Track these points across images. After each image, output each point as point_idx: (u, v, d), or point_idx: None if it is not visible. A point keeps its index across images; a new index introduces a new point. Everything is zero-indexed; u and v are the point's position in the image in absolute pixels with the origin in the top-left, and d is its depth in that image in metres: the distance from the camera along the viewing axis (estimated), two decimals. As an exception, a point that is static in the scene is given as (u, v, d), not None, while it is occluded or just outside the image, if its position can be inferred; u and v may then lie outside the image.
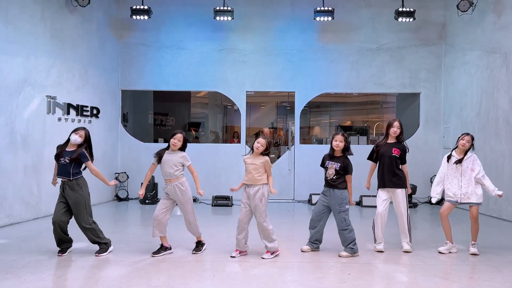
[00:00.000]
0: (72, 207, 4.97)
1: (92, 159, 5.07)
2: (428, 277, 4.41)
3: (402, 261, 5.02)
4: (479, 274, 4.53)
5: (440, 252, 5.32)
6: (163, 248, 5.11)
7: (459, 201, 5.29)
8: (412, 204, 9.19)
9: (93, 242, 5.11)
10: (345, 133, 5.27)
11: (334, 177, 5.12)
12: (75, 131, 5.04)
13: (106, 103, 9.58)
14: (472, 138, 5.35)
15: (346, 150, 5.15)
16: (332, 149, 5.19)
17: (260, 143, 4.96)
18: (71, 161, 4.91)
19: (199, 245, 5.27)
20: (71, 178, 4.94)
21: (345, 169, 5.11)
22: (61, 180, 5.01)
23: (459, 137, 5.39)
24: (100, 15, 9.37)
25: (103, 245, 5.10)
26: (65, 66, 8.20)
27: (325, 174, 5.22)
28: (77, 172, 4.99)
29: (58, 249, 5.08)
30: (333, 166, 5.11)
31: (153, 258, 4.97)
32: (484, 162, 8.27)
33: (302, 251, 5.29)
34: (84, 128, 5.11)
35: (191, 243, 5.37)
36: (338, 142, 5.11)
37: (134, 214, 8.41)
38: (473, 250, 5.28)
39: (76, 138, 4.97)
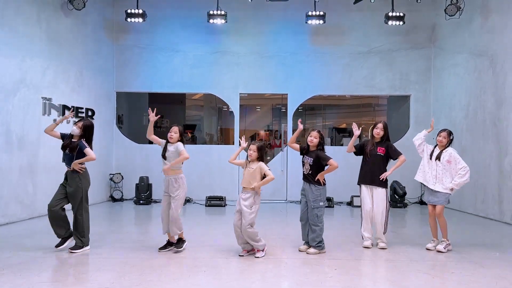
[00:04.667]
0: (69, 196, 5.17)
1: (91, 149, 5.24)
2: (411, 272, 4.57)
3: (388, 257, 5.16)
4: (461, 269, 4.68)
5: (427, 249, 5.48)
6: (169, 244, 5.29)
7: (434, 189, 5.43)
8: (402, 205, 9.37)
9: (74, 233, 5.21)
10: (321, 131, 5.41)
11: (310, 172, 5.21)
12: (76, 123, 5.27)
13: (101, 104, 9.70)
14: (449, 134, 5.51)
15: (320, 145, 5.22)
16: (307, 144, 5.31)
17: (252, 150, 5.02)
18: (70, 151, 5.12)
19: (180, 242, 5.32)
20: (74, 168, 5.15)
21: (318, 161, 5.14)
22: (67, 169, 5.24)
23: (437, 134, 5.59)
24: (95, 18, 9.50)
25: (79, 242, 5.19)
26: (60, 68, 8.32)
27: (303, 168, 5.33)
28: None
29: (53, 246, 5.19)
30: (307, 162, 5.22)
31: (147, 255, 5.08)
32: (472, 162, 8.49)
33: (300, 251, 5.32)
34: (83, 120, 5.33)
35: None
36: (313, 138, 5.21)
37: (129, 214, 8.52)
38: (438, 247, 5.43)
39: (74, 129, 5.18)
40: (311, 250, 5.24)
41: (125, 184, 9.97)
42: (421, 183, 5.80)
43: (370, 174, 5.56)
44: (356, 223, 6.85)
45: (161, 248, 5.28)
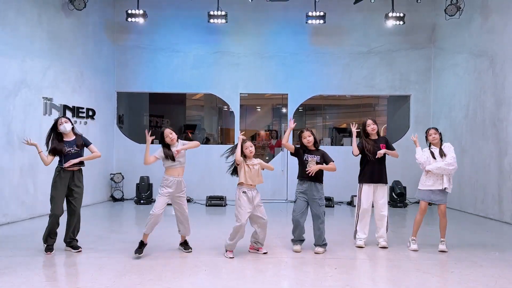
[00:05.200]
0: (76, 196, 5.15)
1: None
2: (411, 272, 4.59)
3: (388, 257, 5.18)
4: (460, 269, 4.69)
5: (413, 250, 5.39)
6: (144, 245, 5.07)
7: (442, 188, 5.33)
8: (402, 204, 9.38)
9: (71, 235, 5.23)
10: (311, 129, 5.46)
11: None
12: (58, 122, 5.09)
13: (102, 104, 9.72)
14: (436, 129, 5.50)
15: (316, 142, 5.33)
16: (304, 145, 5.33)
17: (252, 147, 5.04)
18: (81, 147, 5.11)
19: (187, 243, 5.37)
20: (84, 165, 5.16)
21: (325, 160, 5.28)
22: (64, 170, 5.05)
23: (426, 136, 5.53)
24: (96, 18, 9.53)
25: (75, 242, 5.26)
26: (61, 68, 8.35)
27: (305, 168, 5.26)
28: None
29: (54, 246, 5.18)
30: (313, 160, 5.23)
31: (148, 255, 5.08)
32: (472, 162, 8.53)
33: (296, 252, 5.28)
34: (62, 116, 5.21)
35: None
36: (308, 138, 5.28)
37: (129, 214, 8.54)
38: (441, 247, 5.42)
39: (67, 126, 5.08)
40: (320, 249, 5.26)
41: (126, 184, 10.00)
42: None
43: (378, 173, 5.54)
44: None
45: (139, 252, 4.99)
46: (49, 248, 5.08)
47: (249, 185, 5.01)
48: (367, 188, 5.58)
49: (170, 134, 5.11)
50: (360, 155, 5.70)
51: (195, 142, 5.20)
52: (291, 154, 5.46)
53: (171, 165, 5.10)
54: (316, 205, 5.26)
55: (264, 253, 5.17)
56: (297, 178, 5.43)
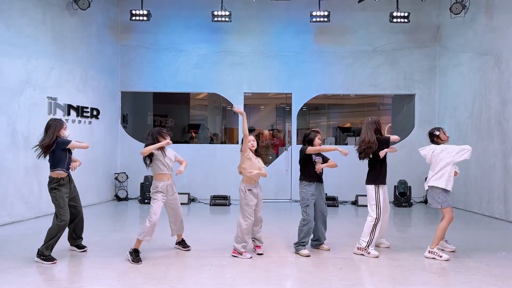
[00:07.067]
0: (76, 196, 5.16)
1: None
2: (416, 271, 4.56)
3: (393, 256, 5.15)
4: (466, 268, 4.66)
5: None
6: (139, 252, 4.91)
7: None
8: (407, 204, 9.35)
9: (78, 235, 5.24)
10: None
11: (322, 171, 5.34)
12: (63, 127, 4.98)
13: (106, 104, 9.74)
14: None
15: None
16: (312, 145, 5.29)
17: (254, 141, 5.16)
18: (70, 153, 5.04)
19: (184, 241, 5.43)
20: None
21: (324, 159, 5.42)
22: (63, 176, 4.91)
23: (438, 134, 5.32)
24: (100, 18, 9.54)
25: (81, 240, 5.26)
26: (65, 68, 8.37)
27: (313, 169, 5.28)
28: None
29: (57, 246, 5.13)
30: (319, 161, 5.31)
31: (152, 254, 5.09)
32: (477, 161, 8.48)
33: (307, 256, 5.09)
34: (54, 119, 5.06)
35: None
36: (317, 140, 5.32)
37: (134, 213, 8.55)
38: (451, 247, 5.38)
39: (66, 133, 4.99)
40: (327, 245, 5.44)
41: (130, 184, 10.01)
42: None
43: (386, 173, 5.40)
44: (361, 222, 6.82)
45: (139, 260, 4.77)
46: (52, 258, 4.76)
47: (253, 180, 5.02)
48: (383, 190, 5.31)
49: (168, 137, 5.12)
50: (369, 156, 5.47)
51: (185, 163, 5.23)
52: (305, 156, 5.31)
53: (160, 172, 5.04)
54: (323, 204, 5.38)
55: (260, 254, 5.13)
56: (304, 180, 5.32)
